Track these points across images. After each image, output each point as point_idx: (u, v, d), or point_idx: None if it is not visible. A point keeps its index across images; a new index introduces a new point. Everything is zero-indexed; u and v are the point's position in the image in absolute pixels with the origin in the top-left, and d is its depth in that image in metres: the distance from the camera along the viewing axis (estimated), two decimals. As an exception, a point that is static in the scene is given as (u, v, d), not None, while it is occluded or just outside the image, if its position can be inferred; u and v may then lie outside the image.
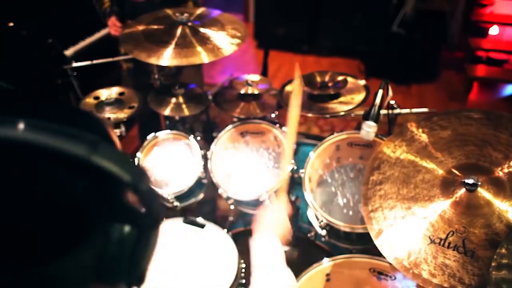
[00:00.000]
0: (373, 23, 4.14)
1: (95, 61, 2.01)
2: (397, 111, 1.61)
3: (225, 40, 1.77)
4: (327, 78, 1.87)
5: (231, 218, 2.02)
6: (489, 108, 1.65)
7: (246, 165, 1.87)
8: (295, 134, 1.22)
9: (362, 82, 1.89)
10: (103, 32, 2.92)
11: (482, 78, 4.06)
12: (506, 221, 0.97)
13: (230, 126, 1.92)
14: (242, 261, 1.44)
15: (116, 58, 2.09)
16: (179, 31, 1.79)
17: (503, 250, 0.86)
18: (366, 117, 1.35)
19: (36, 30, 2.46)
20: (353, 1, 4.28)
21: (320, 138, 1.77)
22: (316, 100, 1.81)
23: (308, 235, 1.73)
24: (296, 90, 1.26)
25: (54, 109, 0.43)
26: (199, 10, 1.99)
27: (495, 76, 4.06)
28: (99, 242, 0.40)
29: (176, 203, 1.79)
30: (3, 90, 0.46)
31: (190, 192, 1.81)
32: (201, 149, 1.84)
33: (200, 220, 1.57)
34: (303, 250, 1.75)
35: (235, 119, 2.00)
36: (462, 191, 1.04)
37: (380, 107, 1.36)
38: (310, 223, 1.68)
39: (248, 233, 1.05)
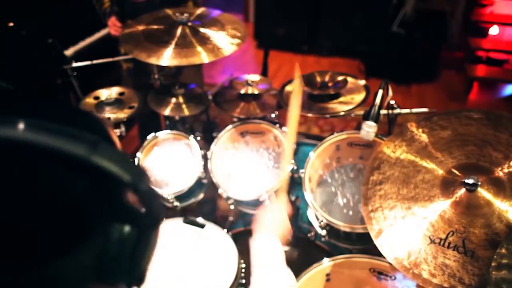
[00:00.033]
0: (373, 23, 4.14)
1: (95, 61, 2.01)
2: (397, 111, 1.61)
3: (225, 40, 1.77)
4: (327, 78, 1.87)
5: (231, 218, 2.02)
6: (489, 108, 1.65)
7: (246, 165, 1.87)
8: (295, 134, 1.22)
9: (362, 82, 1.89)
10: (103, 32, 2.91)
11: (482, 78, 4.06)
12: (506, 221, 0.97)
13: (230, 126, 1.92)
14: (242, 261, 1.44)
15: (116, 58, 2.09)
16: (179, 31, 1.79)
17: (503, 250, 0.86)
18: (366, 117, 1.35)
19: (36, 30, 2.46)
20: (353, 1, 4.28)
21: (320, 138, 1.77)
22: (316, 100, 1.81)
23: (308, 235, 1.73)
24: (296, 90, 1.26)
25: (54, 109, 0.43)
26: (199, 10, 1.99)
27: (495, 76, 4.06)
28: (99, 242, 0.40)
29: (176, 203, 1.79)
30: (3, 90, 0.46)
31: (190, 192, 1.81)
32: (201, 149, 1.84)
33: (200, 220, 1.57)
34: (303, 250, 1.75)
35: (235, 119, 2.00)
36: (462, 191, 1.04)
37: (380, 107, 1.36)
38: (310, 223, 1.68)
39: (248, 233, 1.05)
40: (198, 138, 1.91)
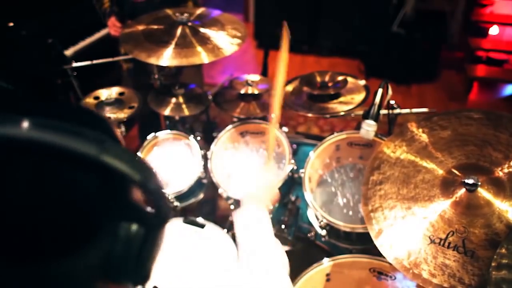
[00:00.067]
0: (373, 23, 4.14)
1: (95, 61, 2.00)
2: (397, 111, 1.61)
3: (225, 40, 1.77)
4: (327, 78, 1.87)
5: (231, 218, 2.02)
6: (489, 108, 1.65)
7: (246, 165, 1.87)
8: (282, 88, 1.25)
9: (362, 82, 1.89)
10: (103, 32, 2.92)
11: (482, 78, 4.06)
12: (506, 221, 0.97)
13: (230, 126, 1.92)
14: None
15: (116, 58, 2.08)
16: (179, 31, 1.79)
17: (503, 250, 0.86)
18: (366, 116, 1.35)
19: (36, 30, 2.46)
20: (353, 1, 4.27)
21: (320, 138, 1.77)
22: (316, 100, 1.81)
23: (308, 235, 1.73)
24: (284, 45, 1.34)
25: (58, 109, 0.42)
26: (199, 10, 1.99)
27: (495, 76, 4.06)
28: (107, 241, 0.40)
29: (176, 203, 1.79)
30: (3, 90, 0.46)
31: (190, 192, 1.81)
32: (201, 149, 1.84)
33: (200, 220, 1.57)
34: (303, 250, 1.75)
35: (235, 119, 2.00)
36: (462, 191, 1.04)
37: (380, 106, 1.36)
38: (310, 223, 1.68)
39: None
40: (198, 138, 1.91)
